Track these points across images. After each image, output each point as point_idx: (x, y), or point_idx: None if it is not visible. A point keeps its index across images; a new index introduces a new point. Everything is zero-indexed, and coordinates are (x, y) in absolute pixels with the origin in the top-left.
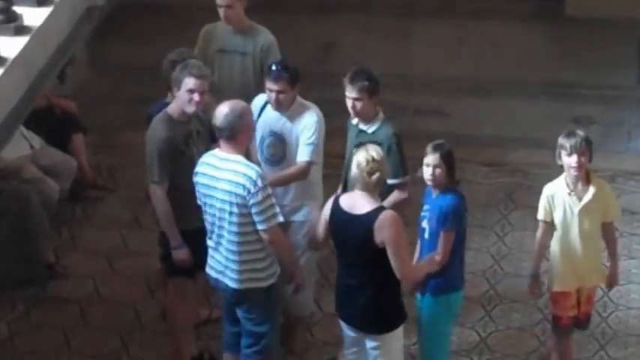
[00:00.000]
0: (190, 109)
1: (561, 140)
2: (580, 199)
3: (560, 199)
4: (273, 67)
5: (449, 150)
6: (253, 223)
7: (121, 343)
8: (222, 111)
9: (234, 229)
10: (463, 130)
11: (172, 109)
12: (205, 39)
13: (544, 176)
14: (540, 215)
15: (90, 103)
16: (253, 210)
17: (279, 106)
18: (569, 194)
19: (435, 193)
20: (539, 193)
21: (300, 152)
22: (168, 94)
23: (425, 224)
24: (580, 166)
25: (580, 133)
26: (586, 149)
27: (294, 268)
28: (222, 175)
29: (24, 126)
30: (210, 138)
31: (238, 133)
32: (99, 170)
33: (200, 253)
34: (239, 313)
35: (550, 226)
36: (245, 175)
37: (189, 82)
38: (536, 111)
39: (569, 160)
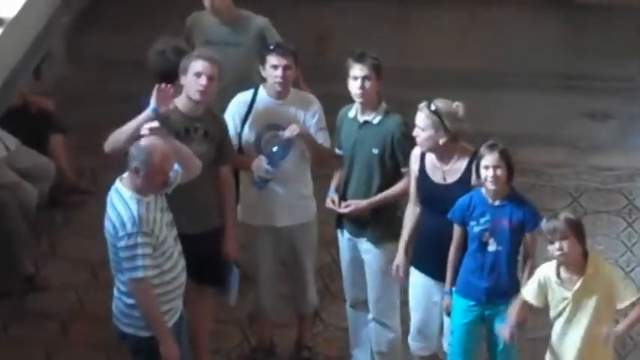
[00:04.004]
0: (197, 95)
1: (542, 226)
2: (569, 288)
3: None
4: (276, 44)
5: (505, 148)
6: None
7: (106, 357)
8: (138, 142)
9: (113, 265)
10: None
11: (179, 99)
12: (191, 28)
13: (558, 176)
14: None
15: (69, 100)
16: (119, 254)
17: (285, 85)
18: (557, 282)
19: (494, 200)
20: (554, 194)
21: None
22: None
23: (487, 238)
24: (562, 254)
25: (561, 215)
26: (569, 233)
27: (155, 333)
28: (108, 206)
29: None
30: (216, 149)
31: (141, 172)
32: (80, 173)
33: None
34: None
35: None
36: (118, 214)
37: (197, 64)
38: (547, 105)
39: (551, 248)
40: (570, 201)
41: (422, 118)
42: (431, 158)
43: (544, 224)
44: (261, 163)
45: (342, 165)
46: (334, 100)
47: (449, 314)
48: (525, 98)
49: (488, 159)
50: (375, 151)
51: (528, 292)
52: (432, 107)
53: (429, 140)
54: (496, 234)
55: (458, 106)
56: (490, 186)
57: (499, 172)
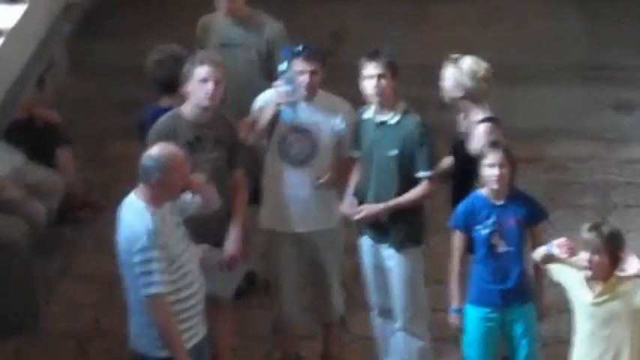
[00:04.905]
0: (206, 102)
1: (582, 232)
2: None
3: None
4: (301, 47)
5: (507, 146)
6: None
7: None
8: (149, 152)
9: (127, 282)
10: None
11: (185, 107)
12: (203, 32)
13: (586, 170)
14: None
15: (74, 110)
16: (134, 270)
17: (312, 89)
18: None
19: (498, 199)
20: (582, 190)
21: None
22: (162, 98)
23: (496, 240)
24: (590, 267)
25: (604, 229)
26: (606, 249)
27: (171, 352)
28: (121, 220)
29: (3, 142)
30: (228, 153)
31: (155, 183)
32: (89, 187)
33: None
34: None
35: None
36: (132, 227)
37: (201, 70)
38: (572, 98)
39: (582, 255)
40: (599, 196)
41: (446, 70)
42: None
43: (584, 232)
44: (279, 90)
45: (359, 168)
46: (348, 101)
47: (461, 331)
48: (547, 91)
49: (493, 158)
50: (393, 152)
51: (553, 269)
52: (457, 61)
53: (449, 93)
54: (504, 234)
55: (482, 66)
56: (494, 185)
57: (504, 170)
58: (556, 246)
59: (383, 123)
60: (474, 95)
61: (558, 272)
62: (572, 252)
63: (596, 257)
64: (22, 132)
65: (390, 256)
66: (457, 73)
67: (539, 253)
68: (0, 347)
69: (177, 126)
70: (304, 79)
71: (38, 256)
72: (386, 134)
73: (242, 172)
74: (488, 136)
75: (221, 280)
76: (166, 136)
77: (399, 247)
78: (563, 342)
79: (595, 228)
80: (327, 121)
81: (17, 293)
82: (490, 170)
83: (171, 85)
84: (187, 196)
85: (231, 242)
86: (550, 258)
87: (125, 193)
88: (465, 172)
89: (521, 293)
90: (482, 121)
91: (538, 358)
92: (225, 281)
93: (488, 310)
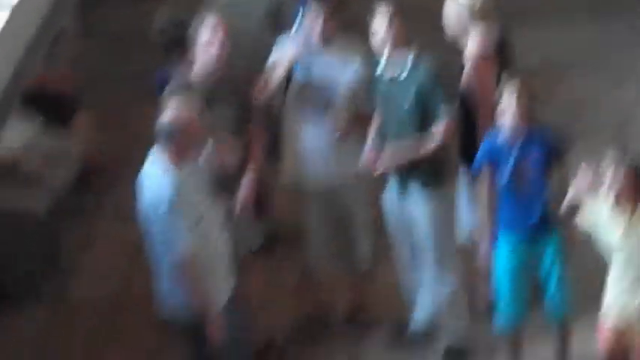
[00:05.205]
0: (213, 65)
1: (602, 162)
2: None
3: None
4: None
5: (525, 79)
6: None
7: (156, 340)
8: (165, 114)
9: (152, 245)
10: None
11: (193, 70)
12: None
13: (606, 104)
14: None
15: (89, 79)
16: (159, 231)
17: (324, 38)
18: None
19: (517, 137)
20: (601, 126)
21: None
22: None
23: (518, 176)
24: (618, 192)
25: (622, 155)
26: (627, 172)
27: (200, 311)
28: (143, 183)
29: (17, 113)
30: (241, 109)
31: (175, 143)
32: (107, 154)
33: None
34: None
35: None
36: (154, 191)
37: (205, 33)
38: (586, 30)
39: (603, 189)
40: (618, 131)
41: (447, 7)
42: None
43: (603, 160)
44: (292, 43)
45: (377, 120)
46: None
47: (489, 268)
48: (560, 26)
49: (509, 95)
50: (407, 106)
51: (581, 219)
52: None
53: (452, 30)
54: (526, 170)
55: None
56: (511, 123)
57: (520, 104)
58: (576, 187)
59: (394, 79)
60: (476, 24)
61: (586, 218)
62: (593, 186)
63: (619, 182)
64: (36, 102)
65: (415, 202)
66: (457, 9)
67: (564, 209)
68: (29, 318)
69: (188, 90)
70: (316, 28)
71: (60, 225)
72: (398, 89)
73: (256, 128)
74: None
75: (243, 236)
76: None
77: (423, 191)
78: (594, 270)
79: (614, 154)
80: (341, 73)
81: (42, 264)
82: (507, 108)
83: (179, 51)
84: (204, 155)
85: (243, 189)
86: (575, 209)
87: (143, 159)
88: (471, 123)
89: (547, 226)
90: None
91: (568, 285)
92: (246, 237)
93: (516, 244)
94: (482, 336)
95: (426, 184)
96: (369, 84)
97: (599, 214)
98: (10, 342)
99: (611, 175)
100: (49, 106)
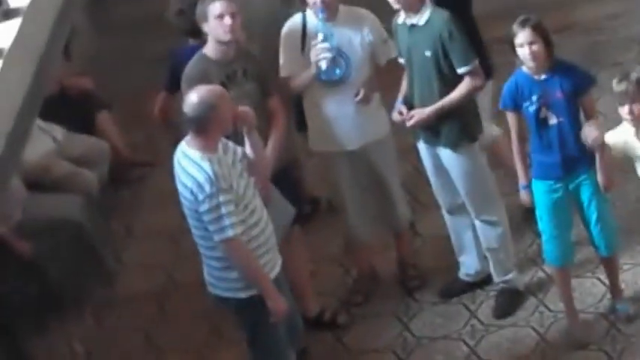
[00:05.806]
0: (227, 37)
1: (614, 87)
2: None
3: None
4: None
5: (538, 21)
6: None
7: (208, 329)
8: (192, 100)
9: (195, 232)
10: None
11: (208, 48)
12: None
13: (621, 26)
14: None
15: (105, 72)
16: (203, 218)
17: (331, 10)
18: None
19: (539, 74)
20: (621, 46)
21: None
22: (189, 41)
23: (545, 113)
24: (632, 119)
25: (632, 76)
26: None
27: (258, 289)
28: (179, 173)
29: (40, 119)
30: (260, 84)
31: (208, 126)
32: (134, 146)
33: None
34: None
35: None
36: (193, 178)
37: (215, 7)
38: None
39: (621, 110)
40: (638, 50)
41: None
42: None
43: (615, 85)
44: (319, 45)
45: (406, 74)
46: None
47: (532, 208)
48: None
49: (521, 37)
50: (428, 53)
51: (610, 146)
52: None
53: None
54: (552, 107)
55: None
56: (530, 63)
57: (535, 47)
58: (592, 139)
59: (414, 26)
60: None
61: (614, 145)
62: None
63: (636, 105)
64: (58, 105)
65: (447, 156)
66: None
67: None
68: (82, 321)
69: (207, 69)
70: (319, 1)
71: (100, 224)
72: (418, 36)
73: (277, 99)
74: None
75: (278, 209)
76: (199, 80)
77: (454, 146)
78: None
79: (624, 77)
80: (355, 36)
81: (87, 267)
82: (521, 49)
83: (197, 32)
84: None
85: (261, 168)
86: (601, 142)
87: (171, 146)
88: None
89: (580, 161)
90: None
91: (611, 218)
92: (281, 209)
93: (552, 182)
94: (533, 275)
95: (455, 143)
96: (394, 36)
97: (624, 139)
98: (66, 345)
99: (624, 106)
100: (72, 107)
